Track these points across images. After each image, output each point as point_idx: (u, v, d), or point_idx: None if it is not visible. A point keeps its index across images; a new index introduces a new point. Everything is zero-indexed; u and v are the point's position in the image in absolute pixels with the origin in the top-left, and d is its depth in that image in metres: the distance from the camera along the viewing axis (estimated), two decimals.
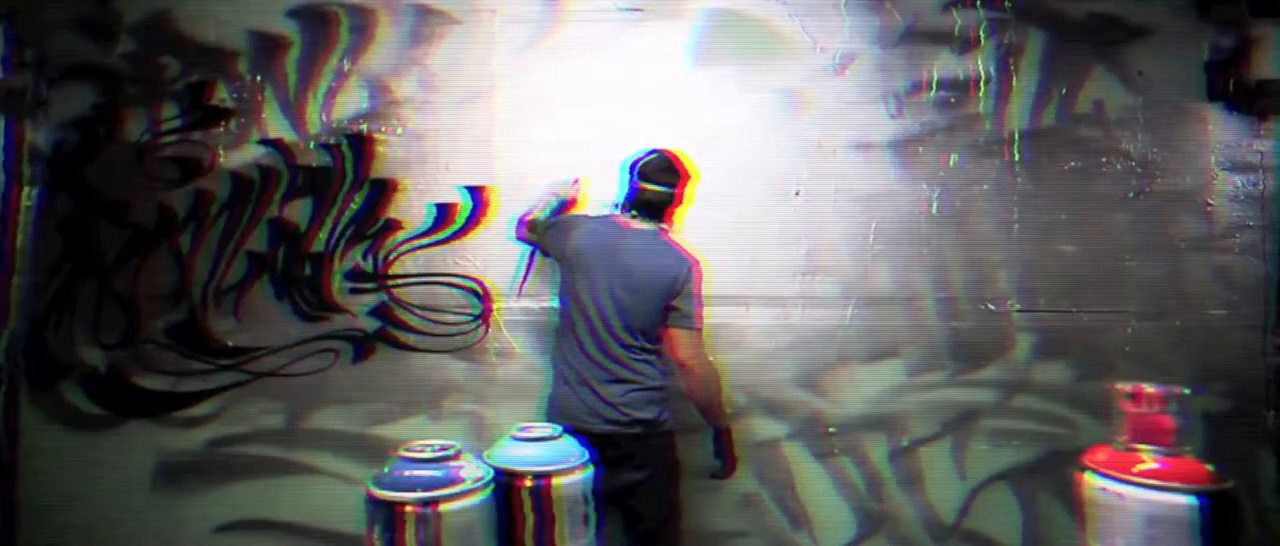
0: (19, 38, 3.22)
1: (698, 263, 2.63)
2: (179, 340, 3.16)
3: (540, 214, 2.85)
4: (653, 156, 2.68)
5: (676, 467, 2.68)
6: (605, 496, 2.44)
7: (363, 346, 3.12)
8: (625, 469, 2.49)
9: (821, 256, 3.02)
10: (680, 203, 2.69)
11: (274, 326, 3.13)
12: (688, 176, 2.69)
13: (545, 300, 3.06)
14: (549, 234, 2.80)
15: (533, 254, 3.03)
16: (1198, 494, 1.80)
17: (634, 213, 2.66)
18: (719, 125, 3.07)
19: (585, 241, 2.65)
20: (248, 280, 3.15)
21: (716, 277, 3.00)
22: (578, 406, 2.56)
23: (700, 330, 2.61)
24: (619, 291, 2.55)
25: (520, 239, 2.93)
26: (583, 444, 2.32)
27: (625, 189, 2.71)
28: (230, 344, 3.15)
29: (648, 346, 2.59)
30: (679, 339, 2.57)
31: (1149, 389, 1.96)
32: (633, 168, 2.69)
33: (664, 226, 2.68)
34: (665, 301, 2.55)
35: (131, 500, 3.13)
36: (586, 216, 2.80)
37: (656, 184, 2.63)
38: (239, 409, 3.14)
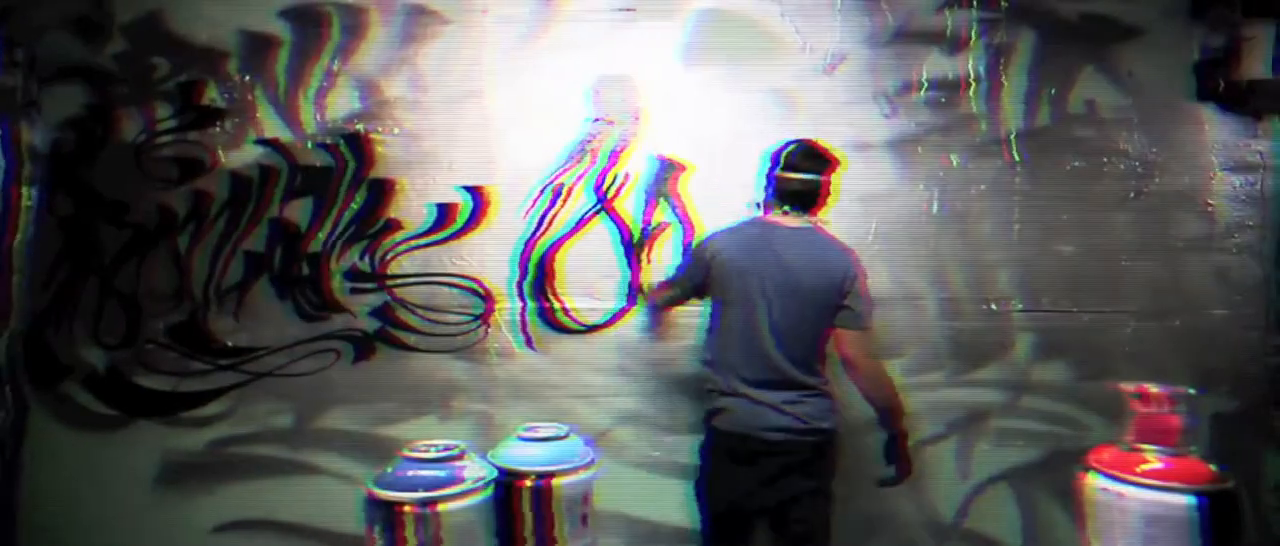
0: (10, 37, 3.19)
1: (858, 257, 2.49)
2: (180, 340, 3.14)
3: (662, 280, 2.79)
4: (794, 145, 2.52)
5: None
6: (765, 508, 2.42)
7: (363, 346, 3.10)
8: (796, 478, 2.37)
9: None
10: (828, 193, 2.50)
11: (275, 326, 3.12)
12: (835, 163, 2.52)
13: (546, 300, 3.06)
14: (688, 273, 2.62)
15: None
16: (1197, 493, 1.81)
17: (783, 208, 2.49)
18: (711, 125, 3.07)
19: (732, 250, 2.46)
20: (248, 280, 3.13)
21: None
22: (750, 416, 2.38)
23: (872, 329, 2.46)
24: (782, 293, 2.37)
25: (654, 307, 2.87)
26: (752, 455, 2.34)
27: (766, 183, 2.54)
28: (231, 344, 3.13)
29: (816, 350, 2.44)
30: (850, 338, 2.39)
31: (1155, 389, 1.97)
32: (774, 159, 2.52)
33: (817, 221, 2.51)
34: (834, 300, 2.39)
35: (133, 500, 3.12)
36: (718, 231, 2.60)
37: (802, 172, 2.46)
38: (241, 409, 3.13)
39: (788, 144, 2.54)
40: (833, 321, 2.40)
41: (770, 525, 2.45)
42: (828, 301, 2.38)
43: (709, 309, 2.54)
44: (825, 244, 2.46)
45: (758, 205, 2.62)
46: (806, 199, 2.47)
